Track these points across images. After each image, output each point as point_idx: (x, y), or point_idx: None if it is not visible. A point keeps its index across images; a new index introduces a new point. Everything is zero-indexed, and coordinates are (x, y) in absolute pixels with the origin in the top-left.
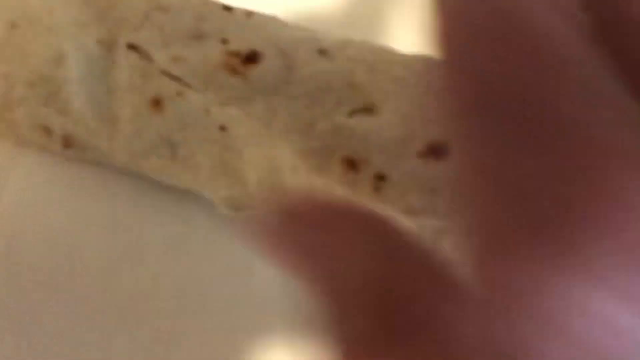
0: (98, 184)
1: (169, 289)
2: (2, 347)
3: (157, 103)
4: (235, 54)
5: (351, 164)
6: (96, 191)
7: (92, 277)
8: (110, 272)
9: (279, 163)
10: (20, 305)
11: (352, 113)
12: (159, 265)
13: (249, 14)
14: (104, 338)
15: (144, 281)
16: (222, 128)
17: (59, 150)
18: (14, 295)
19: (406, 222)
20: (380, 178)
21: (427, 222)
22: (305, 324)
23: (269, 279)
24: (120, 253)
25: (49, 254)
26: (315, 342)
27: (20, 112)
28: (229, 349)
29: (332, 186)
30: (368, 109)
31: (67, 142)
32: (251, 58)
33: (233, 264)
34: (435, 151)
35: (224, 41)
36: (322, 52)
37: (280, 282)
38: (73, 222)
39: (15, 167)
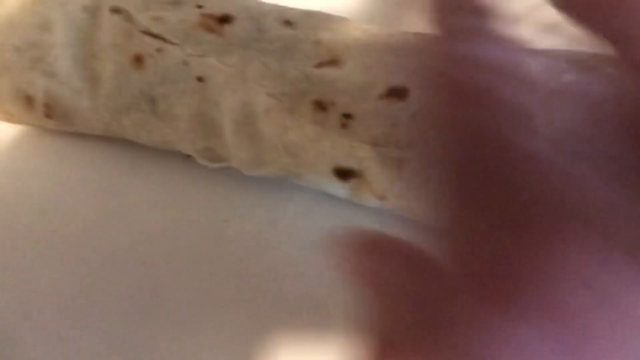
0: (79, 153)
1: (153, 241)
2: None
3: (138, 60)
4: (209, 16)
5: (320, 106)
6: (78, 160)
7: (84, 236)
8: (98, 231)
9: (253, 108)
10: (18, 265)
11: (319, 65)
12: (144, 220)
13: None
14: (96, 288)
15: (131, 236)
16: (200, 79)
17: (40, 122)
18: (11, 259)
19: (370, 153)
20: (346, 116)
21: (389, 152)
22: None
23: (243, 227)
24: (107, 214)
25: (41, 219)
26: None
27: (6, 80)
28: (204, 290)
29: (302, 125)
30: (333, 62)
31: (49, 110)
32: (225, 19)
33: (210, 213)
34: (395, 94)
35: (199, 6)
36: (287, 22)
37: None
38: (60, 190)
39: None
